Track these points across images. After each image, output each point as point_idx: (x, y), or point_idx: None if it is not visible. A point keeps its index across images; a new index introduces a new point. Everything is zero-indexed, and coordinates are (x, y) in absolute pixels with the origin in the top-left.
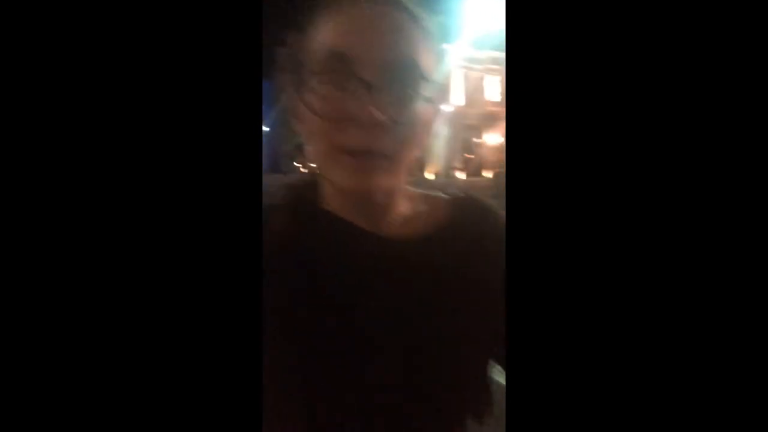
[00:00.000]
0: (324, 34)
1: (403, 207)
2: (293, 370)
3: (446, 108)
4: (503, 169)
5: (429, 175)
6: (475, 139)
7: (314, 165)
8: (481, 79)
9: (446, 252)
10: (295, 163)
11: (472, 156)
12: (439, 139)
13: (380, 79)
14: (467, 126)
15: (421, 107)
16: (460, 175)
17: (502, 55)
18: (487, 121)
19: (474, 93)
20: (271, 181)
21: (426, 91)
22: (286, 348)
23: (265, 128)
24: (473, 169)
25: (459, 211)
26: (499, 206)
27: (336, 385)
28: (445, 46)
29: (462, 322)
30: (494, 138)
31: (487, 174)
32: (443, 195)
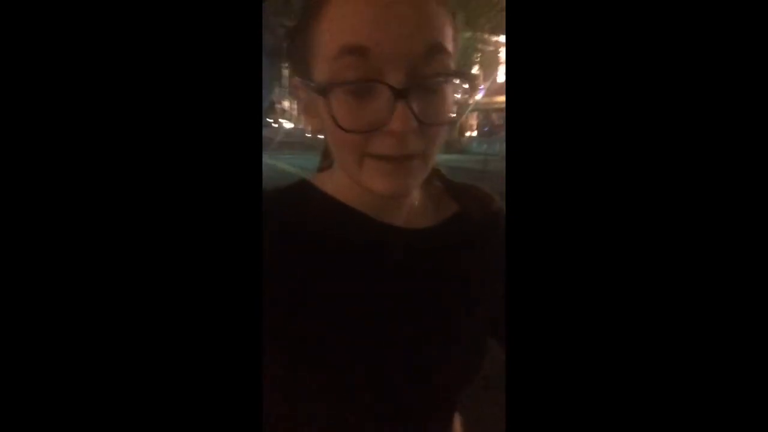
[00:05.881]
0: (332, 24)
1: (415, 198)
2: (298, 359)
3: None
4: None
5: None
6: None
7: (342, 168)
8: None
9: (453, 239)
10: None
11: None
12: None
13: (409, 82)
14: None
15: (452, 104)
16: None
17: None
18: None
19: None
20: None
21: (458, 85)
22: (289, 335)
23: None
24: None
25: (463, 198)
26: (496, 193)
27: (343, 375)
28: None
29: (465, 305)
30: None
31: None
32: (449, 182)
